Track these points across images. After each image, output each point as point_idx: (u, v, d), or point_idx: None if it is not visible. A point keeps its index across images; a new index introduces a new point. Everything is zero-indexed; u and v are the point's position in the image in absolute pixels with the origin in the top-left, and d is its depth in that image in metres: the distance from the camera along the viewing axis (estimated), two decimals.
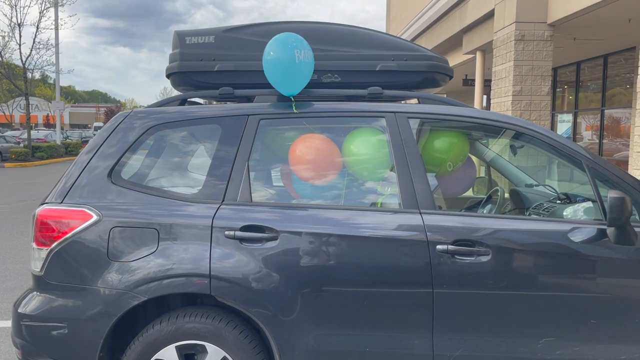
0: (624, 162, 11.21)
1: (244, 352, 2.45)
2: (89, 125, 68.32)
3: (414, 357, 2.47)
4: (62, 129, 31.49)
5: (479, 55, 13.48)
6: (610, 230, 2.44)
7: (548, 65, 10.43)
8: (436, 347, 2.46)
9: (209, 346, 2.46)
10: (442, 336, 2.46)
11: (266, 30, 2.96)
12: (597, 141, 13.18)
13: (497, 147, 3.64)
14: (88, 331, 2.45)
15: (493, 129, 2.88)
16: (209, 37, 2.93)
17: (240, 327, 2.49)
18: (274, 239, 2.46)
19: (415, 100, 2.94)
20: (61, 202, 2.57)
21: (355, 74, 2.94)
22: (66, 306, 2.48)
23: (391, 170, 2.70)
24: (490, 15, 11.85)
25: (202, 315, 2.49)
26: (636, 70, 8.73)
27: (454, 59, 15.59)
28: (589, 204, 2.81)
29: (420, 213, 2.52)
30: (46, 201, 2.61)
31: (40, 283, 2.54)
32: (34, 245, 2.54)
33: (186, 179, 2.79)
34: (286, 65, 2.62)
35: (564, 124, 14.84)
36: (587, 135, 13.89)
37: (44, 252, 2.51)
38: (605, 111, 12.93)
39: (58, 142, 27.63)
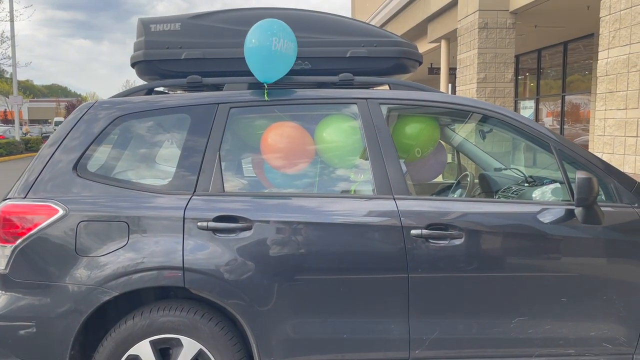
0: (584, 146, 11.55)
1: (220, 343, 2.42)
2: (50, 120, 66.30)
3: (390, 342, 2.48)
4: (21, 124, 30.50)
5: (443, 43, 13.63)
6: (578, 211, 2.50)
7: (511, 53, 10.63)
8: (412, 330, 2.48)
9: (185, 339, 2.42)
10: (418, 320, 2.48)
11: (233, 17, 2.91)
12: (558, 127, 13.52)
13: (464, 133, 3.68)
14: (58, 329, 2.38)
15: (465, 114, 2.91)
16: (175, 25, 2.86)
17: (215, 319, 2.46)
18: (248, 228, 2.44)
19: (386, 87, 2.94)
20: (25, 197, 2.48)
21: (325, 60, 2.92)
22: (33, 304, 2.40)
23: (364, 156, 2.69)
24: (454, 3, 11.97)
25: (176, 308, 2.44)
26: (595, 56, 8.96)
27: (420, 48, 15.71)
28: (557, 186, 2.87)
29: (394, 199, 2.52)
30: (8, 196, 2.51)
31: (5, 281, 2.44)
32: None
33: (155, 171, 2.73)
34: (263, 51, 2.57)
35: (526, 110, 15.15)
36: (549, 121, 14.23)
37: (8, 249, 2.42)
38: (566, 97, 13.26)
39: (17, 139, 26.70)
